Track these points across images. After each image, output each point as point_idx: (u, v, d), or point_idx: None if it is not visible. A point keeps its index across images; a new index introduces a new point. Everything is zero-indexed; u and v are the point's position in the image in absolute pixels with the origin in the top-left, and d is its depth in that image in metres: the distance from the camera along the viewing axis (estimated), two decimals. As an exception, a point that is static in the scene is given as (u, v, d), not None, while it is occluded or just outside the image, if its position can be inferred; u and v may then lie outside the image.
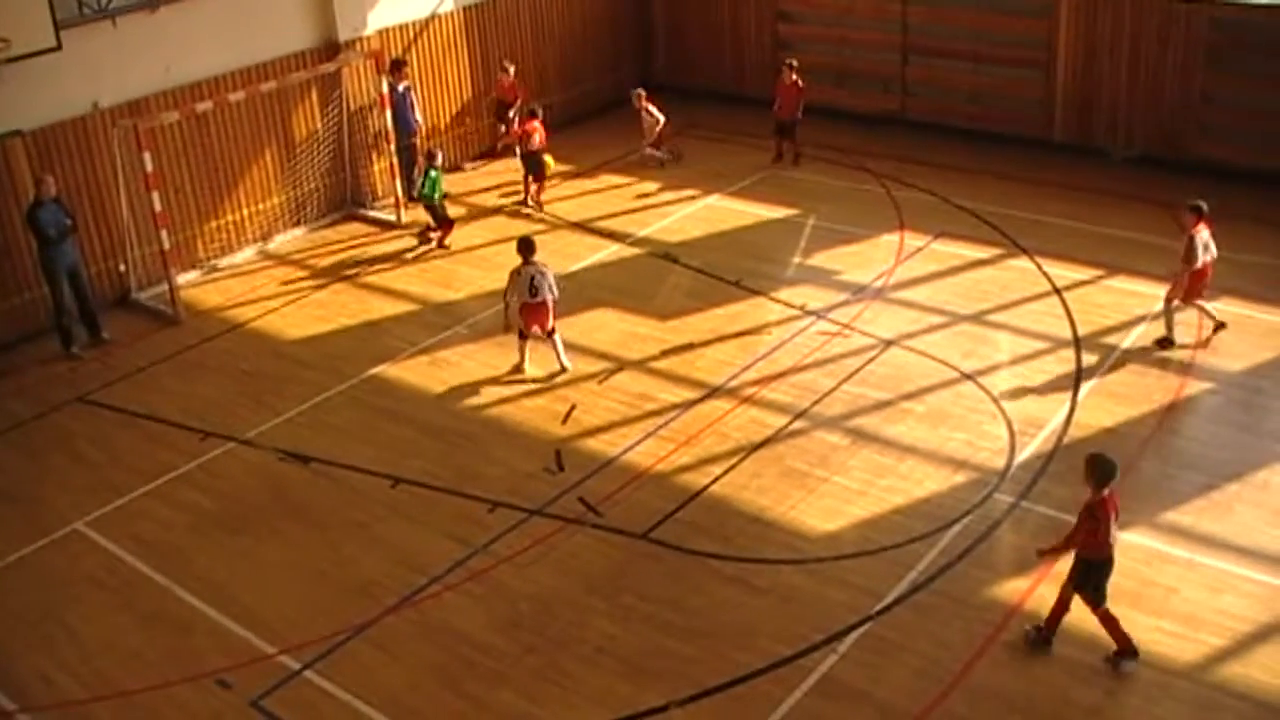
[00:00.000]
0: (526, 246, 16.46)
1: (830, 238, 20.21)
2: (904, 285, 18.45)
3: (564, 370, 16.52)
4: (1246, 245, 18.87)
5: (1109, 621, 11.30)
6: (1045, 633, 11.53)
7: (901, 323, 17.32)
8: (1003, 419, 14.99)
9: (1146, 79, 22.08)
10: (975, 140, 23.75)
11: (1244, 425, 14.77)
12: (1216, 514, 13.17)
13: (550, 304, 16.46)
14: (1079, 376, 15.80)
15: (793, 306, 17.96)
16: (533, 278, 16.20)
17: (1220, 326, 16.46)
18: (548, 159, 22.22)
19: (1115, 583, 11.98)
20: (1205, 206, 16.19)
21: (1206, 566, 12.41)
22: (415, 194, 21.33)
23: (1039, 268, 18.60)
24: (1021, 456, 14.25)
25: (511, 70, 24.12)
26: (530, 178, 22.38)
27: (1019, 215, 20.41)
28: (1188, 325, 16.47)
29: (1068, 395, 15.40)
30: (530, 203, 22.33)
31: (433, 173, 20.52)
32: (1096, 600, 11.30)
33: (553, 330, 16.58)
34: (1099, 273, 18.40)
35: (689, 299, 18.25)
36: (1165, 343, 16.33)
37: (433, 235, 20.98)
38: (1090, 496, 11.20)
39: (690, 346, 16.86)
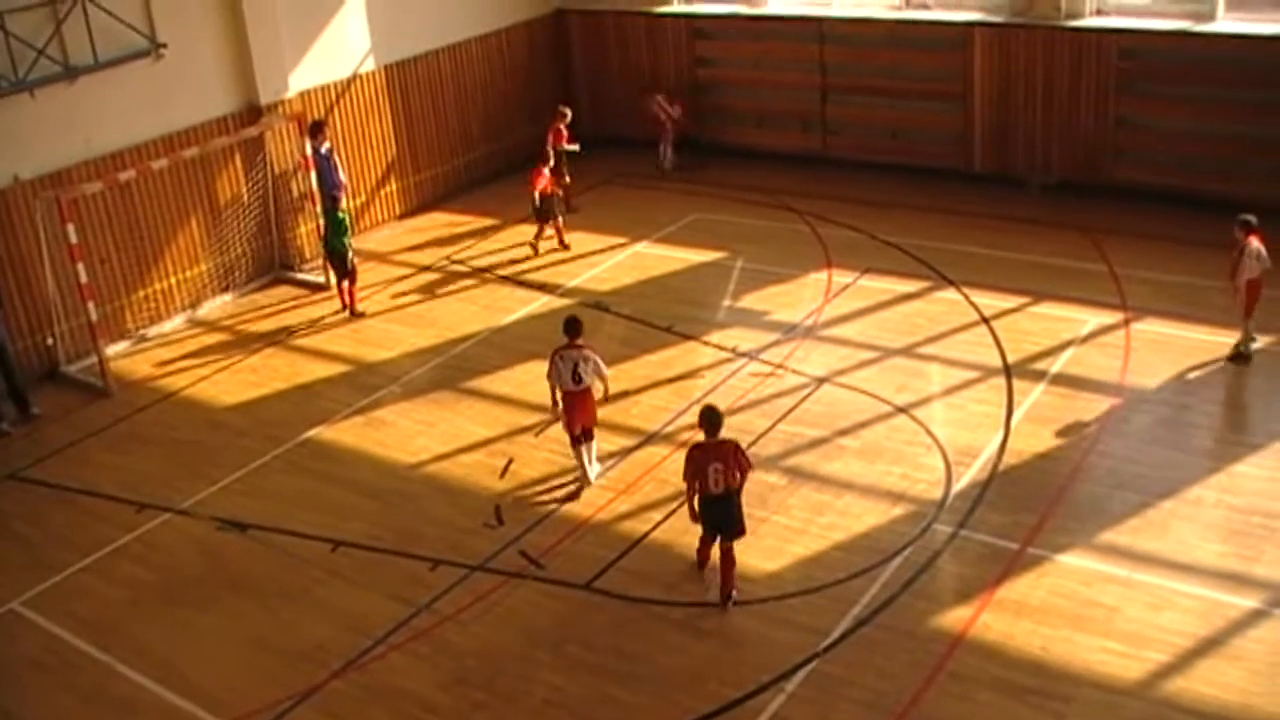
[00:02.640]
0: (571, 327, 14.89)
1: (759, 279, 20.36)
2: (834, 323, 18.60)
3: (587, 483, 15.05)
4: (1165, 265, 19.31)
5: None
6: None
7: (833, 360, 17.45)
8: (938, 450, 15.12)
9: (1061, 107, 22.46)
10: (897, 175, 24.03)
11: (1174, 443, 14.98)
12: (1153, 532, 13.33)
13: (593, 392, 14.85)
14: (1011, 404, 15.98)
15: (725, 349, 18.06)
16: (575, 363, 14.60)
17: (1240, 357, 16.55)
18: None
19: (1057, 605, 12.19)
20: (1254, 220, 16.31)
21: (1146, 584, 12.55)
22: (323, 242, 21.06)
23: (966, 298, 18.82)
24: (958, 486, 14.38)
25: (569, 115, 23.94)
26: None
27: (944, 247, 20.65)
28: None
29: (1000, 423, 15.57)
30: (531, 246, 22.46)
31: (339, 215, 20.30)
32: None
33: (591, 433, 15.10)
34: (1025, 300, 18.64)
35: (622, 347, 18.28)
36: (1239, 357, 16.51)
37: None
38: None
39: (625, 394, 16.85)
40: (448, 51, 25.27)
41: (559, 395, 14.83)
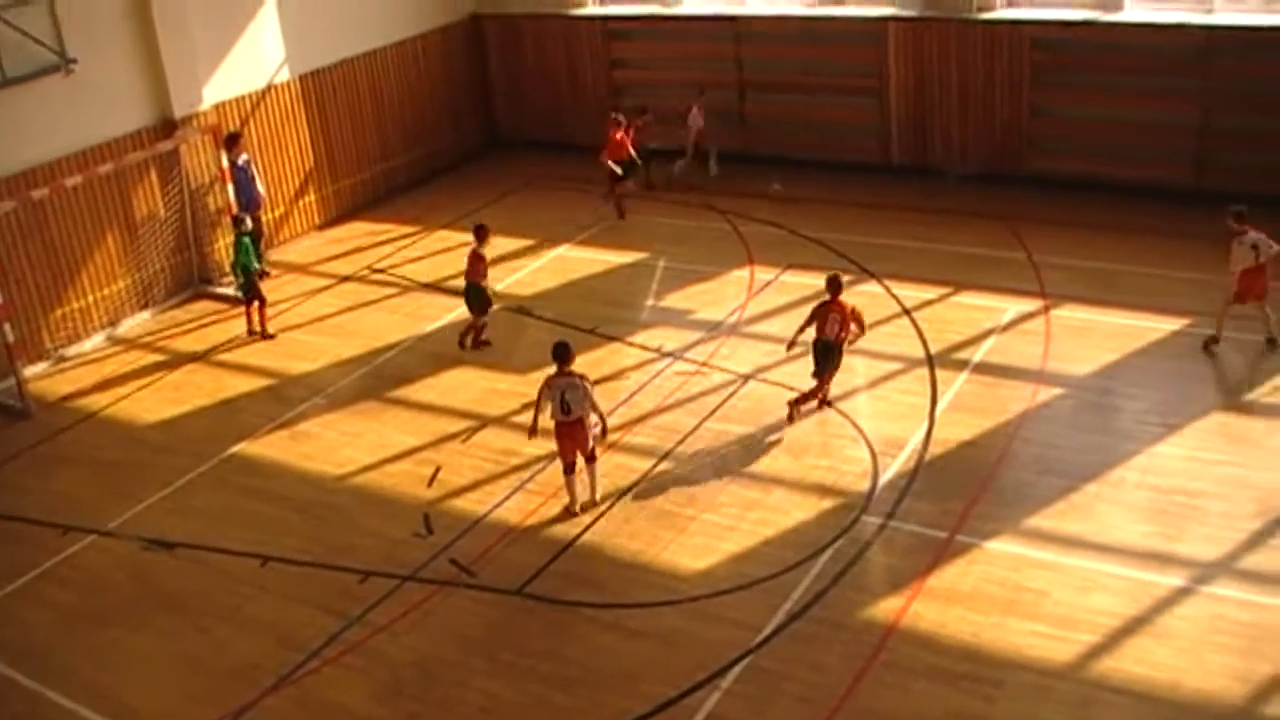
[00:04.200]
0: (560, 354, 14.26)
1: (681, 278, 20.42)
2: (757, 319, 18.70)
3: (593, 504, 14.51)
4: (1082, 251, 19.59)
5: None
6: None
7: (758, 356, 17.53)
8: (864, 443, 15.22)
9: (976, 99, 22.71)
10: (817, 170, 24.17)
11: (1096, 427, 15.18)
12: (1078, 515, 13.50)
13: (587, 423, 14.27)
14: (935, 394, 16.12)
15: (650, 349, 18.08)
16: (563, 392, 14.04)
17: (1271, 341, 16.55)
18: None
19: (987, 591, 12.33)
20: (1245, 210, 16.31)
21: (1073, 567, 12.71)
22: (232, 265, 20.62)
23: (888, 291, 18.96)
24: (885, 477, 14.48)
25: (624, 121, 23.33)
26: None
27: (864, 241, 20.79)
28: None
29: (925, 413, 15.70)
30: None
31: (245, 240, 19.94)
32: None
33: (593, 455, 14.56)
34: (946, 290, 18.83)
35: (546, 351, 18.14)
36: (1211, 341, 16.59)
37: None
38: None
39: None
40: (363, 59, 25.13)
41: (543, 422, 14.28)
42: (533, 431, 14.42)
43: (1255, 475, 13.91)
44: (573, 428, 14.18)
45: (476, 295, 18.50)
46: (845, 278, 16.26)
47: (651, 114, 24.29)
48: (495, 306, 18.85)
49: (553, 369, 14.32)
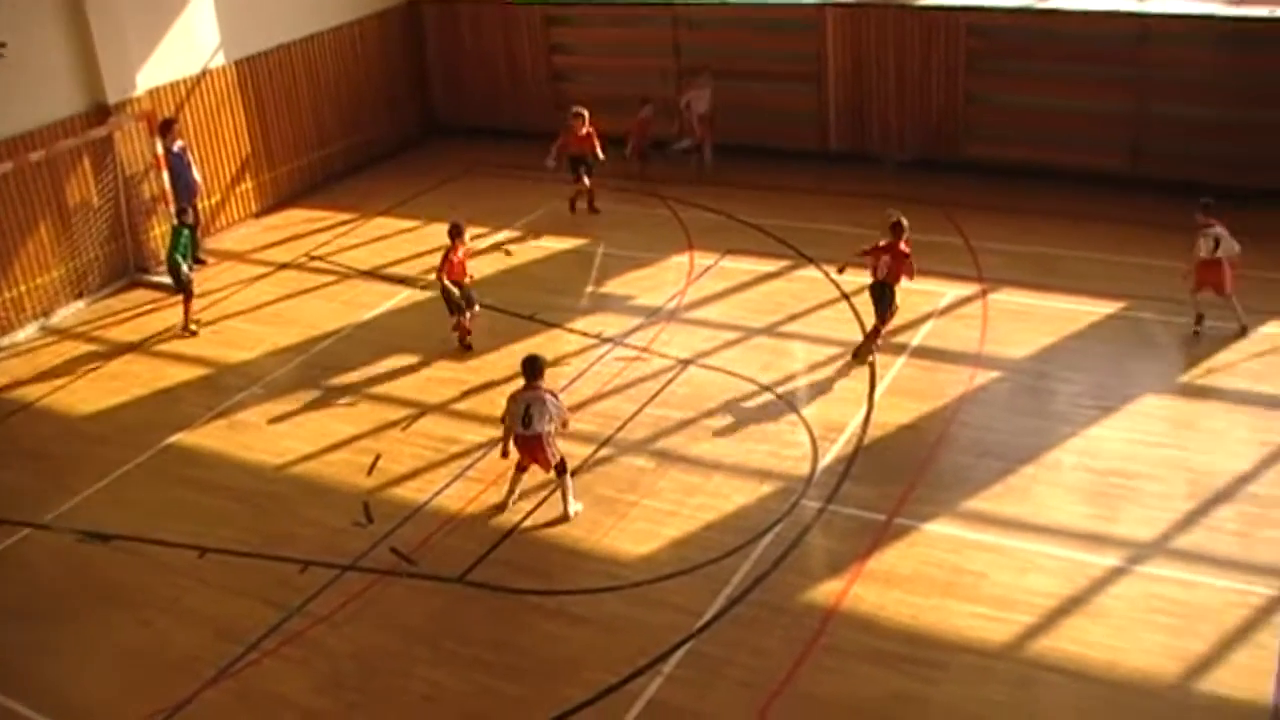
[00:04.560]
0: (529, 368, 13.76)
1: (621, 264, 20.42)
2: (697, 305, 18.73)
3: (566, 519, 13.97)
4: (1017, 236, 19.81)
5: None
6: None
7: (697, 341, 17.55)
8: (804, 427, 15.29)
9: (913, 86, 22.82)
10: (755, 157, 24.21)
11: (1033, 410, 15.34)
12: (1015, 497, 13.64)
13: (547, 437, 13.70)
14: (873, 378, 16.22)
15: (589, 335, 18.07)
16: (528, 405, 13.57)
17: (1199, 325, 16.70)
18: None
19: (926, 574, 12.44)
20: (1212, 203, 16.53)
21: (1012, 548, 12.84)
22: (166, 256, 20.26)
23: (827, 276, 19.03)
24: (825, 461, 14.55)
25: (586, 116, 22.26)
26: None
27: (803, 226, 20.87)
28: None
29: (864, 397, 15.78)
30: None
31: (184, 232, 19.63)
32: None
33: (562, 467, 13.94)
34: (885, 275, 18.89)
35: (486, 337, 18.16)
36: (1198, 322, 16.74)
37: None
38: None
39: (491, 385, 16.80)
40: (300, 45, 24.88)
41: (510, 439, 13.92)
42: (504, 453, 14.09)
43: (1190, 457, 14.11)
44: (530, 442, 13.73)
45: (446, 294, 17.95)
46: (900, 217, 16.59)
47: (652, 105, 24.01)
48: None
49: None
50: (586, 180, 22.45)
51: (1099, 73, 21.58)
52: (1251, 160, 20.25)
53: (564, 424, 14.07)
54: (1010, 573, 12.49)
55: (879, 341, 16.74)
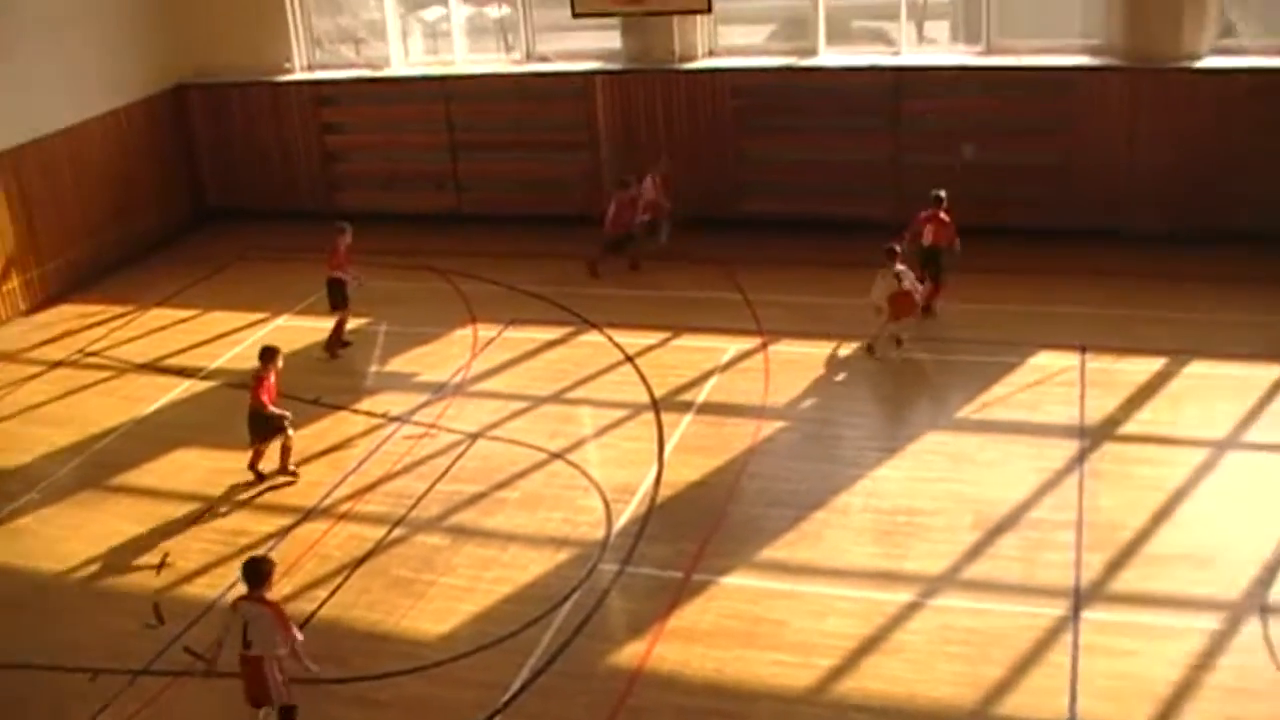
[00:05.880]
0: (249, 573, 11.27)
1: (404, 341, 20.19)
2: (483, 377, 18.60)
3: None
4: (794, 288, 20.27)
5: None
6: None
7: (485, 414, 17.43)
8: (596, 491, 15.27)
9: (684, 147, 23.19)
10: (533, 226, 24.29)
11: (819, 456, 15.63)
12: (808, 543, 13.82)
13: (271, 664, 11.00)
14: (662, 437, 16.31)
15: (376, 415, 17.81)
16: (246, 624, 11.02)
17: (870, 349, 17.99)
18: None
19: (727, 626, 12.48)
20: (896, 248, 17.70)
21: (808, 594, 12.98)
22: None
23: (610, 339, 19.13)
24: (619, 524, 14.54)
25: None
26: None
27: (583, 292, 20.99)
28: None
29: (654, 457, 15.87)
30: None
31: None
32: None
33: (290, 714, 11.30)
34: (666, 335, 19.12)
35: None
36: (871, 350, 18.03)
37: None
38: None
39: (280, 472, 16.44)
40: (63, 135, 24.00)
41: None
42: (211, 662, 11.53)
43: (971, 489, 14.54)
44: (251, 664, 11.05)
45: (258, 422, 16.37)
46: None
47: (636, 187, 22.42)
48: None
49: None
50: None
51: (860, 124, 22.33)
52: (1003, 199, 21.72)
53: (291, 647, 11.09)
54: (809, 618, 12.62)
55: (940, 300, 18.83)
